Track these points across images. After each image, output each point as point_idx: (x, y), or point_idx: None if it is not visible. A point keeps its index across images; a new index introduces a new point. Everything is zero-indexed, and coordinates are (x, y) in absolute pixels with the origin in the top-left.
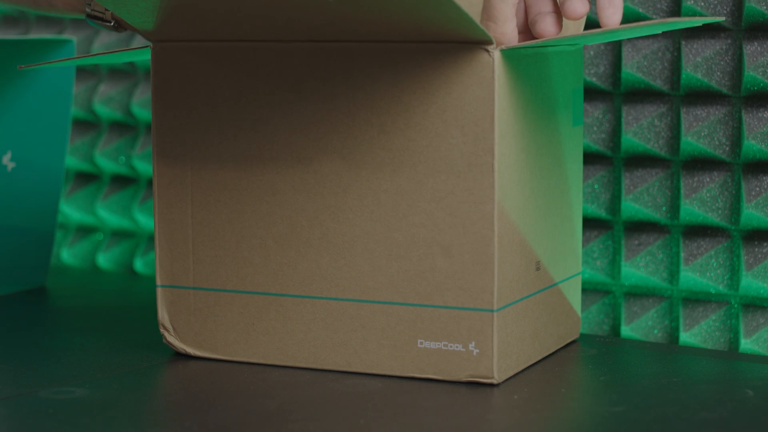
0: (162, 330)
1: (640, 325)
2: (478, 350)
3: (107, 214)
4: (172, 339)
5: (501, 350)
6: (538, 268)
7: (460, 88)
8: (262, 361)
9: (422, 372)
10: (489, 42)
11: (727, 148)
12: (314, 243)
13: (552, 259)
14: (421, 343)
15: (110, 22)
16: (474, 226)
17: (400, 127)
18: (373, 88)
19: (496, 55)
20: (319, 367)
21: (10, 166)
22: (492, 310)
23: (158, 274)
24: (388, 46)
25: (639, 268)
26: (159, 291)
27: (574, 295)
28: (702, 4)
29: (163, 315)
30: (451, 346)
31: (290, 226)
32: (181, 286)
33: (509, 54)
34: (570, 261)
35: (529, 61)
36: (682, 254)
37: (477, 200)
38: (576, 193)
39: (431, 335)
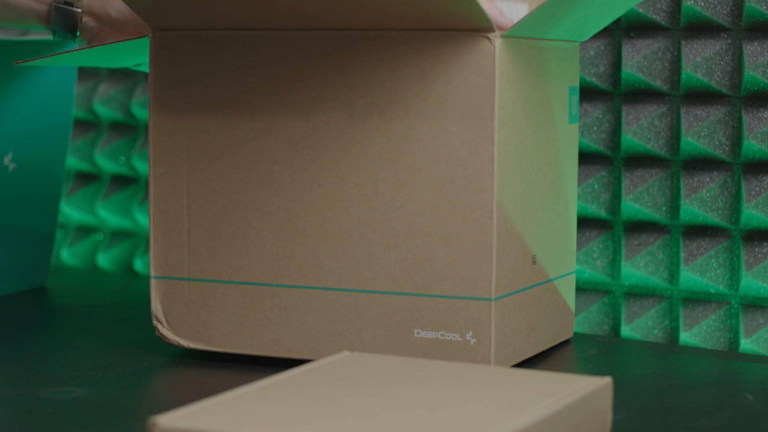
0: (155, 322)
1: (640, 325)
2: (475, 340)
3: (107, 214)
4: (164, 331)
5: (498, 340)
6: (533, 263)
7: (460, 76)
8: (256, 352)
9: None
10: (490, 29)
11: (727, 148)
12: (311, 233)
13: (547, 255)
14: (418, 333)
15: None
16: (473, 215)
17: (399, 115)
18: (372, 76)
19: (498, 42)
20: (315, 358)
21: (11, 166)
22: (490, 299)
23: (152, 264)
24: (387, 34)
25: (639, 268)
26: (153, 282)
27: (568, 293)
28: (702, 4)
29: (156, 307)
30: (448, 336)
31: (287, 216)
32: (175, 277)
33: (510, 42)
34: (565, 259)
35: (528, 52)
36: (682, 254)
37: (476, 189)
38: (571, 192)
39: (428, 325)
